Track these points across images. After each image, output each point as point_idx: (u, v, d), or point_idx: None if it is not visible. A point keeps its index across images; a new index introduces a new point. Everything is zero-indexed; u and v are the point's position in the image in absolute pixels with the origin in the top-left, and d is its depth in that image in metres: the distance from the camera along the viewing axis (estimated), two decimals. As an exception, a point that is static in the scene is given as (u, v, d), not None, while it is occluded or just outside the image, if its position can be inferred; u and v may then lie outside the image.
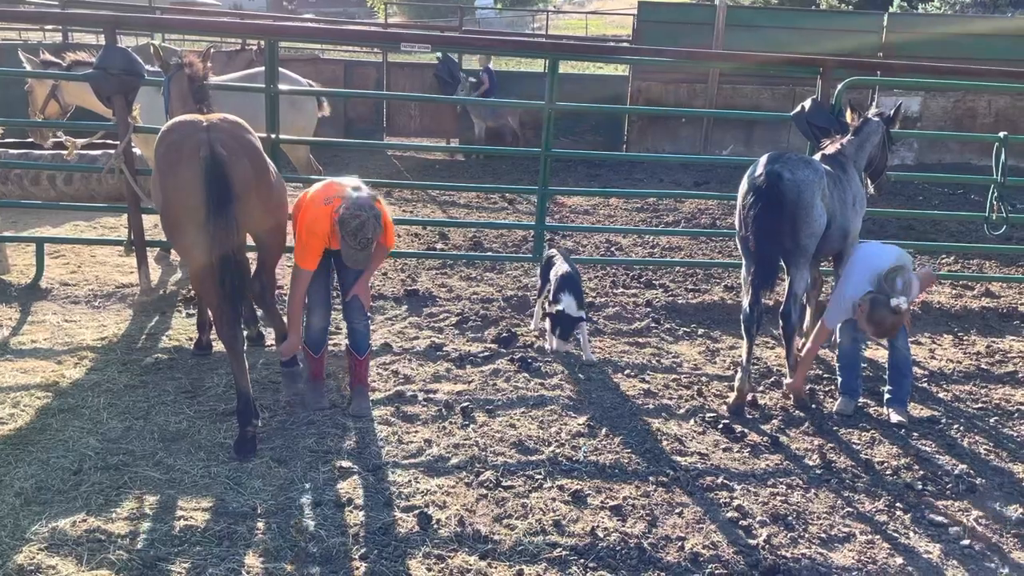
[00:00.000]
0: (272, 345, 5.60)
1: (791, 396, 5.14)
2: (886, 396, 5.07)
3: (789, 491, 4.11)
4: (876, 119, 5.58)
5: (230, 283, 4.06)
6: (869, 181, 5.77)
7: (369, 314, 4.73)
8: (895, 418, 4.91)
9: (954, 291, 7.60)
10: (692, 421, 4.83)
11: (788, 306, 5.07)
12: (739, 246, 5.20)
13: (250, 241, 4.70)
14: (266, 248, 4.84)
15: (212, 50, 5.91)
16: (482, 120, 14.13)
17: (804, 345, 5.19)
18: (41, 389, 4.79)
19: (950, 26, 15.23)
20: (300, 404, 4.73)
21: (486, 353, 5.61)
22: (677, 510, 3.89)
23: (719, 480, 4.16)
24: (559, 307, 5.39)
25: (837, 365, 5.14)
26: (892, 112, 5.69)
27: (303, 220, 4.36)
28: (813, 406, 5.08)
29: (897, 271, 4.69)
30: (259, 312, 5.90)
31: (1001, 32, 14.53)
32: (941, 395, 5.41)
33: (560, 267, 5.70)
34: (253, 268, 4.87)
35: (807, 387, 5.29)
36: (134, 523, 3.56)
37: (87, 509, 3.64)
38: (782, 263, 5.04)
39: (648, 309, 6.71)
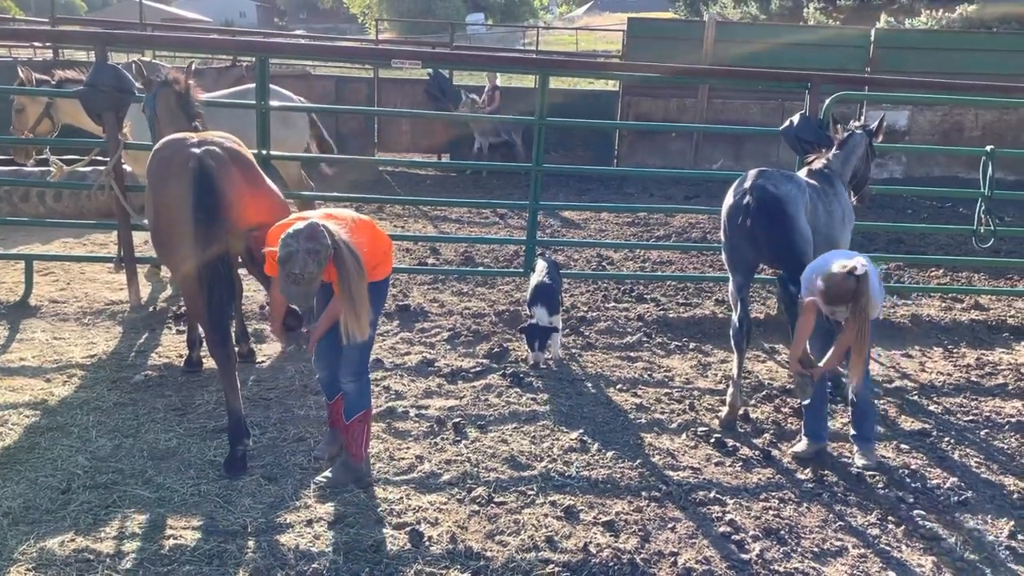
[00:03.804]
0: (264, 361, 5.59)
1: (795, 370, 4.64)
2: (851, 433, 4.69)
3: (781, 505, 4.11)
4: (860, 132, 5.64)
5: (218, 296, 4.07)
6: (852, 192, 5.81)
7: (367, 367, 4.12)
8: (859, 461, 4.52)
9: (944, 304, 7.64)
10: (684, 435, 4.83)
11: (783, 279, 4.93)
12: (725, 260, 5.21)
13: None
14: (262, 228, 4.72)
15: (194, 65, 5.93)
16: (484, 137, 14.13)
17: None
18: (29, 407, 4.76)
19: (937, 41, 15.40)
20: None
21: (478, 368, 5.60)
22: (670, 525, 3.88)
23: (711, 494, 4.16)
24: (531, 320, 5.66)
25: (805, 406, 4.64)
26: (875, 125, 5.74)
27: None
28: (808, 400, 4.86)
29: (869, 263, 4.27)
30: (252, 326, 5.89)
31: (987, 47, 14.67)
32: (932, 408, 5.42)
33: (534, 278, 5.94)
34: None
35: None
36: (123, 542, 3.53)
37: (76, 528, 3.61)
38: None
39: (640, 323, 6.72)
